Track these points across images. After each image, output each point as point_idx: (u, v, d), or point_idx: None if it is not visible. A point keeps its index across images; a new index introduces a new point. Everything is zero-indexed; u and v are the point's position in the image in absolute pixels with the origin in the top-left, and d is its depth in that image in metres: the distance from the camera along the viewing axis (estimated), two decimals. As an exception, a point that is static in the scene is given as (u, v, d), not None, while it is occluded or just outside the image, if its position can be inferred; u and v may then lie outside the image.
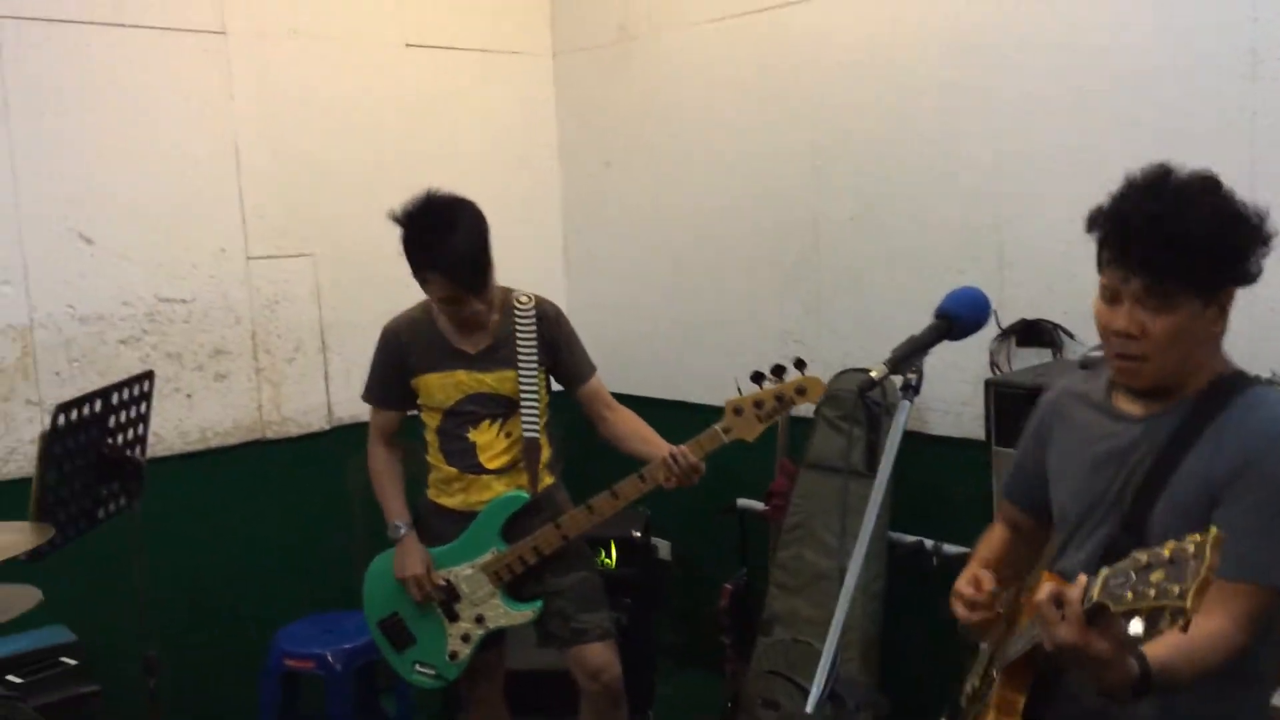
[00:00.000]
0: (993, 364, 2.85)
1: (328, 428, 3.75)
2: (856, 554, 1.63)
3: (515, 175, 4.10)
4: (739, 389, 2.71)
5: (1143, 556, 1.27)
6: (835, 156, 3.23)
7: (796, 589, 2.99)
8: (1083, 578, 1.38)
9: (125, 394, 2.54)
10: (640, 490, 2.62)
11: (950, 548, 2.91)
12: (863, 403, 2.96)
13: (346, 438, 3.74)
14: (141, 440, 2.64)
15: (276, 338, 3.63)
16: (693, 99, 3.65)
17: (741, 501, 3.41)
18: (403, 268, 3.80)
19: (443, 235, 2.52)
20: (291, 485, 3.68)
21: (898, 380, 1.66)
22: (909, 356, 1.66)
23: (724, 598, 3.21)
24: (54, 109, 3.16)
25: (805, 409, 3.17)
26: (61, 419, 2.29)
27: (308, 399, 3.70)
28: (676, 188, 3.76)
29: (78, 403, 2.35)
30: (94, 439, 2.44)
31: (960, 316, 1.69)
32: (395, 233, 3.76)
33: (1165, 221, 1.52)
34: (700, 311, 3.74)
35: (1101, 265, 1.60)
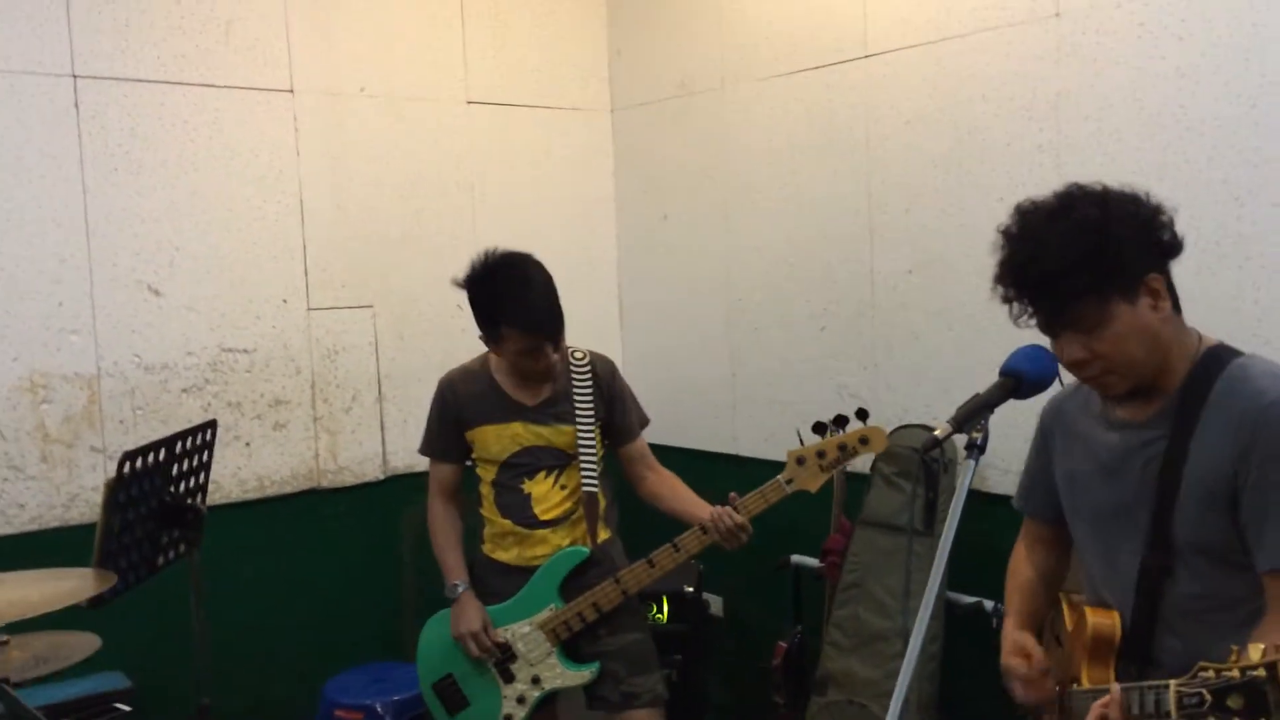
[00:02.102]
0: (1054, 421, 2.80)
1: (382, 477, 3.77)
2: (922, 615, 1.60)
3: (572, 228, 4.14)
4: (800, 439, 2.69)
5: (1210, 673, 1.26)
6: (893, 210, 3.23)
7: (852, 649, 2.93)
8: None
9: (188, 443, 2.58)
10: (701, 544, 2.60)
11: (1011, 609, 2.84)
12: (921, 460, 2.92)
13: (400, 487, 3.77)
14: (203, 488, 2.68)
15: (335, 387, 3.68)
16: (752, 152, 3.67)
17: (795, 558, 3.37)
18: (459, 319, 3.86)
19: (518, 291, 2.57)
20: (345, 534, 3.71)
21: (960, 439, 1.64)
22: (974, 415, 1.64)
23: (777, 655, 3.16)
24: (127, 165, 3.26)
25: (862, 465, 3.15)
26: (127, 466, 2.33)
27: (364, 448, 3.74)
28: (732, 240, 3.77)
29: (143, 451, 2.39)
30: (157, 487, 2.48)
31: (1028, 375, 1.68)
32: (450, 285, 3.84)
33: (1030, 268, 1.59)
34: (755, 365, 3.73)
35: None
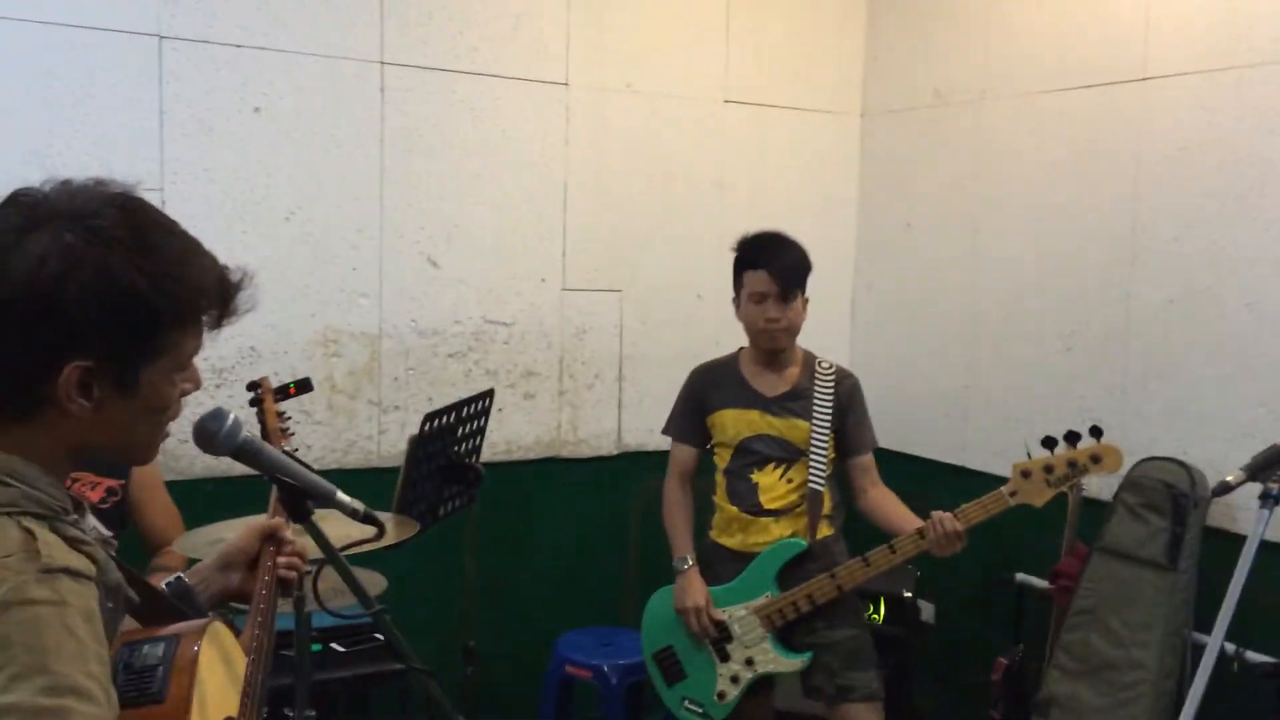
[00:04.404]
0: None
1: (616, 453, 3.98)
2: (1205, 662, 1.64)
3: (813, 230, 4.15)
4: (1028, 453, 2.70)
5: None
6: (1157, 237, 3.17)
7: (1080, 674, 2.93)
8: None
9: (473, 408, 2.83)
10: (917, 548, 2.67)
11: (1254, 655, 2.78)
12: (1169, 494, 2.88)
13: (632, 464, 3.98)
14: (478, 450, 2.93)
15: (580, 364, 3.90)
16: (1007, 167, 3.66)
17: (1020, 576, 3.37)
18: (699, 310, 4.03)
19: (766, 241, 2.89)
20: (578, 503, 3.94)
21: (1254, 486, 1.66)
22: (1271, 465, 1.65)
23: (996, 671, 3.19)
24: (419, 146, 3.55)
25: (1103, 491, 3.13)
26: (427, 426, 2.59)
27: (601, 424, 3.95)
28: (977, 254, 3.78)
29: (439, 413, 2.65)
30: (445, 446, 2.74)
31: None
32: (697, 276, 4.02)
33: None
34: (990, 381, 3.74)
35: None
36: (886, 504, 2.88)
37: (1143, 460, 3.03)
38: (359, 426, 3.54)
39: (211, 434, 1.39)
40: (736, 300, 2.93)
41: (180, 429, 1.36)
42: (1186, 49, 3.09)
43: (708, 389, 2.97)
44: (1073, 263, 3.43)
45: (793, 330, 2.86)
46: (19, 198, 1.12)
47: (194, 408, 1.42)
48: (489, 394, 2.92)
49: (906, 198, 4.08)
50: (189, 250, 1.17)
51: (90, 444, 1.16)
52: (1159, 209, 3.17)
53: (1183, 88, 3.11)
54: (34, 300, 1.06)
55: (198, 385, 1.24)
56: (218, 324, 1.20)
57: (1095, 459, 2.53)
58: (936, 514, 2.63)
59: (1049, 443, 2.59)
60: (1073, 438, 2.56)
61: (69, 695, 0.96)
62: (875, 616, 3.51)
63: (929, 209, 3.98)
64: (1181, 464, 2.94)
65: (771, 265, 2.81)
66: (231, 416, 1.40)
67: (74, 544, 1.10)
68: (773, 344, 2.86)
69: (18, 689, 0.95)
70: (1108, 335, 3.31)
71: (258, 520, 1.69)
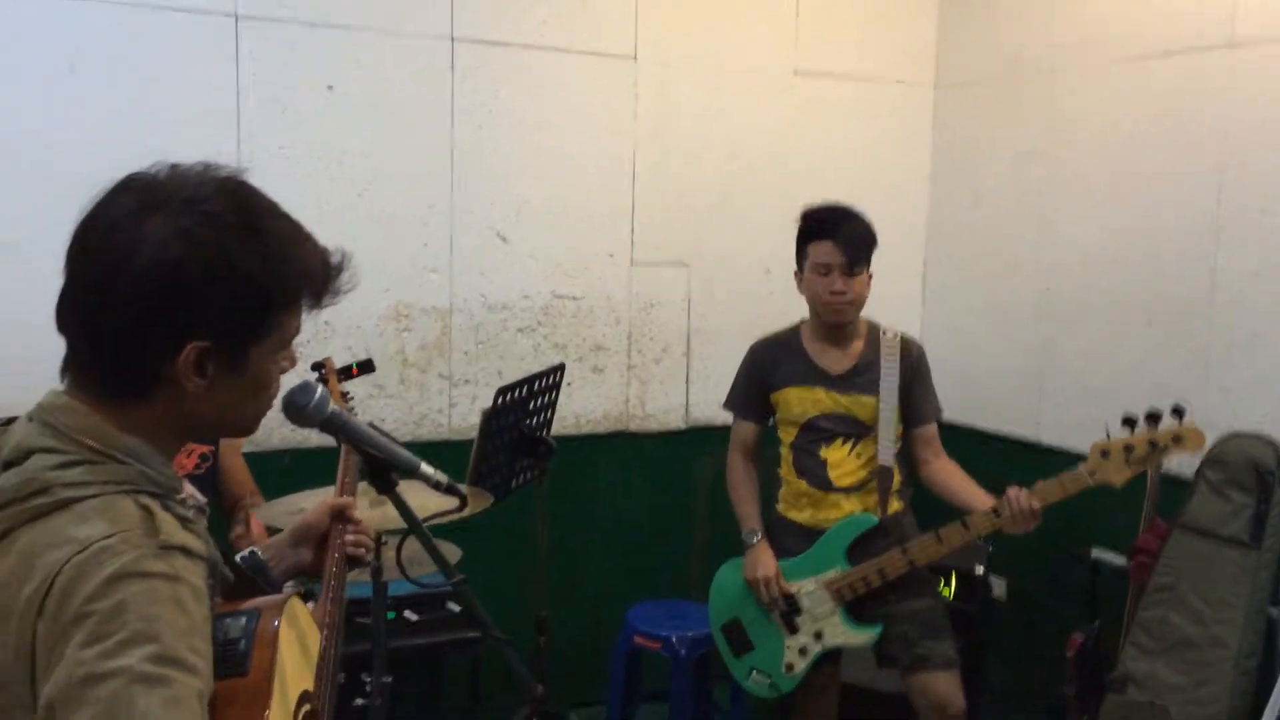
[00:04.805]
0: None
1: (684, 427, 3.99)
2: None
3: (883, 202, 4.08)
4: (1108, 433, 2.66)
5: None
6: (1243, 208, 3.08)
7: (1158, 652, 2.89)
8: None
9: (544, 382, 2.85)
10: (991, 525, 2.64)
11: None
12: (1254, 470, 2.81)
13: (700, 438, 3.98)
14: (549, 424, 2.96)
15: (649, 339, 3.91)
16: (1083, 138, 3.58)
17: (1096, 552, 3.32)
18: (766, 284, 4.01)
19: (830, 214, 2.83)
20: (646, 476, 3.96)
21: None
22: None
23: (1071, 647, 3.15)
24: (490, 122, 3.57)
25: (1183, 467, 3.06)
26: (500, 400, 2.62)
27: (669, 398, 3.97)
28: (1053, 227, 3.70)
29: (512, 387, 2.68)
30: (517, 420, 2.77)
31: None
32: (764, 250, 3.98)
33: None
34: (1063, 356, 3.67)
35: None
36: (954, 478, 2.84)
37: (1227, 436, 2.96)
38: (430, 400, 3.59)
39: (300, 407, 1.42)
40: (799, 273, 2.88)
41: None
42: (1277, 13, 2.99)
43: (770, 366, 2.93)
44: (1152, 236, 3.34)
45: (858, 304, 2.81)
46: (132, 183, 1.15)
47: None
48: (560, 368, 2.94)
49: (978, 170, 4.01)
50: (296, 233, 1.20)
51: (201, 420, 1.20)
52: (1247, 180, 3.08)
53: (1273, 54, 3.01)
54: (159, 284, 1.09)
55: (294, 363, 1.28)
56: (318, 304, 1.23)
57: (1177, 439, 2.49)
58: (1012, 491, 2.60)
59: (1129, 422, 2.54)
60: (1154, 418, 2.51)
61: (173, 666, 1.00)
62: (946, 592, 3.48)
63: (1000, 183, 3.91)
64: (1268, 440, 2.87)
65: (837, 236, 2.76)
66: (320, 389, 1.43)
67: (183, 523, 1.14)
68: (838, 318, 2.82)
69: (127, 654, 0.98)
70: (1189, 309, 3.23)
71: (328, 498, 1.73)
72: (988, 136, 3.96)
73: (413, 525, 1.55)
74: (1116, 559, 3.21)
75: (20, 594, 1.03)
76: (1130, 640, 2.95)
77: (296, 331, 1.24)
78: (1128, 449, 2.53)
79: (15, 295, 2.72)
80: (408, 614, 3.19)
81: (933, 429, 2.90)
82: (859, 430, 2.84)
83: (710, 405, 3.93)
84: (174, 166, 1.16)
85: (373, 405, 3.49)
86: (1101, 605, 3.28)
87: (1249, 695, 2.77)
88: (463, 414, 3.61)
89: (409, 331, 3.54)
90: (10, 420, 1.16)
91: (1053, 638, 3.35)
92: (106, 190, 1.14)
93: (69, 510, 1.07)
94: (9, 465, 1.11)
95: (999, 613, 3.74)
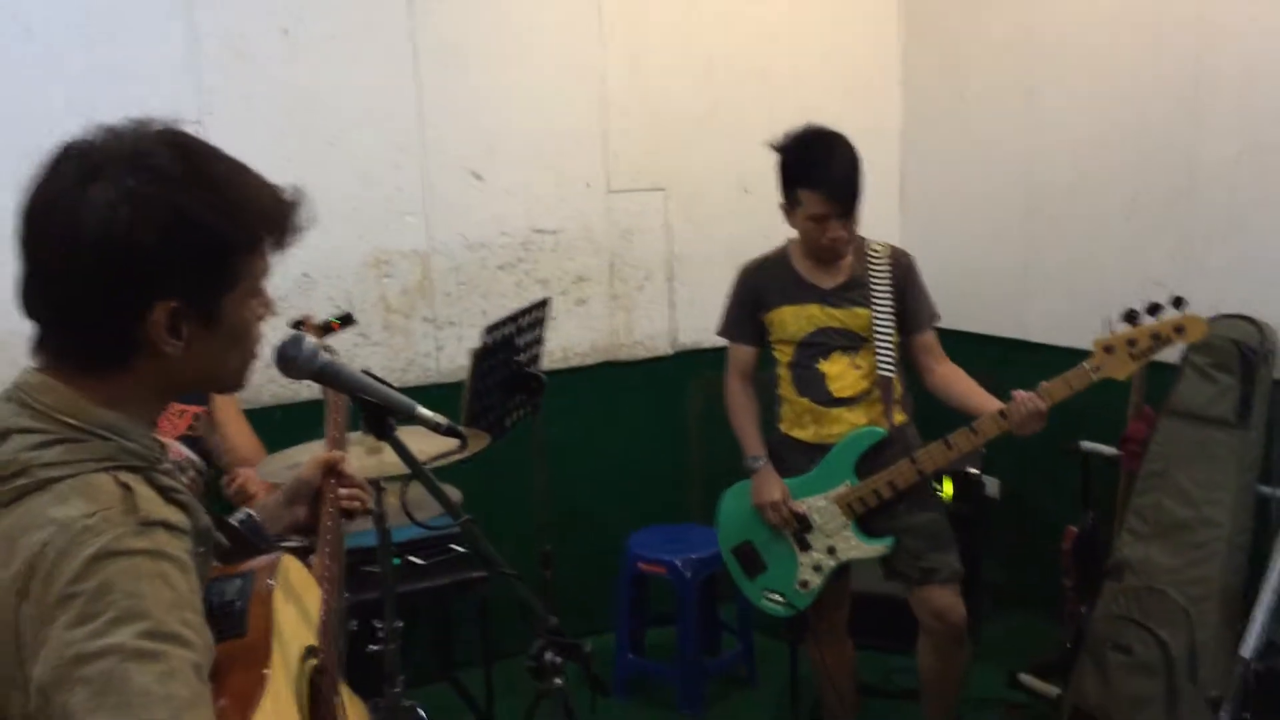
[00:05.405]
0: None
1: (671, 352, 4.00)
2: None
3: (853, 105, 4.06)
4: (1111, 328, 2.67)
5: None
6: (1220, 90, 3.06)
7: (1151, 536, 2.94)
8: None
9: (529, 317, 2.84)
10: (999, 428, 2.65)
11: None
12: (1238, 351, 2.84)
13: (688, 362, 3.99)
14: (537, 358, 2.95)
15: (630, 267, 3.89)
16: (1063, 23, 3.51)
17: (1086, 444, 3.36)
18: (746, 203, 3.98)
19: (821, 156, 2.68)
20: (638, 404, 3.97)
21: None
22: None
23: (1067, 540, 3.20)
24: (455, 59, 3.50)
25: (1169, 354, 3.08)
26: (488, 338, 2.61)
27: (655, 325, 3.96)
28: (1032, 122, 3.67)
29: (498, 325, 2.66)
30: (506, 357, 2.76)
31: None
32: (742, 169, 3.93)
33: None
34: (1050, 252, 3.67)
35: None
36: (960, 383, 2.83)
37: (1212, 319, 2.97)
38: (416, 344, 3.58)
39: (292, 358, 1.41)
40: (786, 207, 2.77)
41: (252, 359, 1.39)
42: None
43: (761, 287, 2.89)
44: (1131, 124, 3.32)
45: (854, 237, 2.77)
46: (68, 152, 1.12)
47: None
48: (545, 302, 2.92)
49: (954, 66, 3.95)
50: (243, 174, 1.18)
51: (185, 380, 1.19)
52: (1225, 60, 3.04)
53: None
54: (114, 249, 1.07)
55: (272, 310, 1.26)
56: (281, 243, 1.21)
57: (1179, 329, 2.50)
58: (1019, 394, 2.60)
59: (1130, 316, 2.55)
60: (1154, 309, 2.52)
61: (166, 641, 1.00)
62: (944, 494, 3.52)
63: (976, 77, 3.86)
64: (1250, 320, 2.89)
65: (830, 184, 2.65)
66: (309, 340, 1.42)
67: (168, 494, 1.13)
68: (836, 257, 2.79)
69: (117, 632, 0.99)
70: (1171, 196, 3.23)
71: (319, 454, 1.72)
72: (961, 27, 3.90)
73: (415, 469, 1.55)
74: (1107, 449, 3.24)
75: (2, 577, 1.03)
76: (1125, 528, 3.00)
77: (264, 273, 1.21)
78: (1130, 343, 2.54)
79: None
80: (413, 559, 3.22)
81: (931, 336, 2.88)
82: (855, 342, 2.80)
83: (697, 329, 3.94)
84: (109, 128, 1.13)
85: (359, 354, 3.47)
86: (1094, 497, 3.33)
87: (1242, 572, 2.83)
88: (450, 356, 3.60)
89: (389, 278, 3.52)
90: None
91: (1048, 532, 3.40)
92: (44, 164, 1.12)
93: (48, 490, 1.06)
94: None
95: (994, 511, 3.80)
